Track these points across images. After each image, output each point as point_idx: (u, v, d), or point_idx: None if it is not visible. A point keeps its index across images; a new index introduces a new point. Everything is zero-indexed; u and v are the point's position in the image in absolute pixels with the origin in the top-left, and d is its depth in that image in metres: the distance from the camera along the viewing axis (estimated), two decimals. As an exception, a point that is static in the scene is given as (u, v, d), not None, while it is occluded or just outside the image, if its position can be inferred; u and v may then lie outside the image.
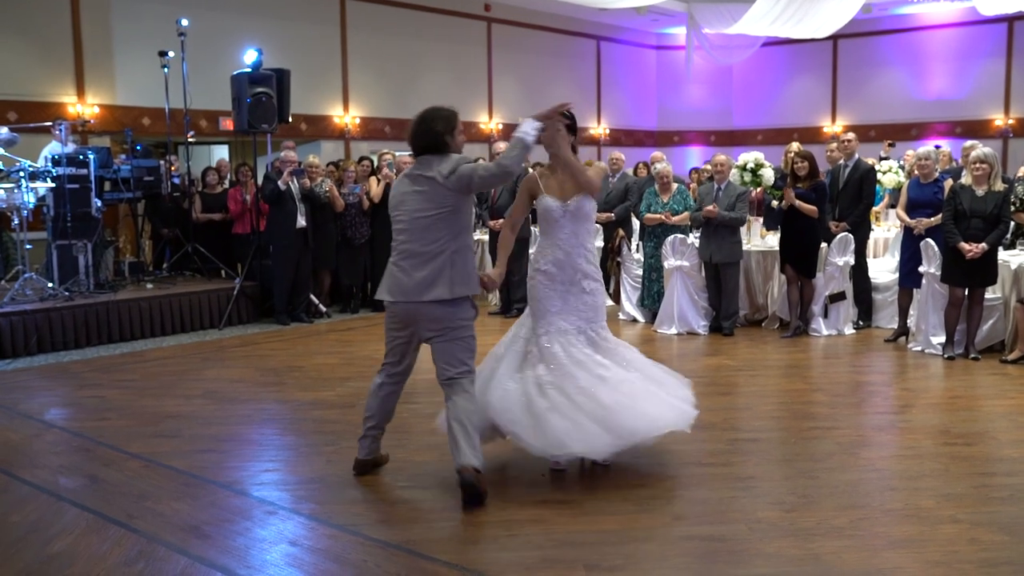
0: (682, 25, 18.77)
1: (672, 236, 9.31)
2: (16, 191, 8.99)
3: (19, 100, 12.40)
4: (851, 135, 9.57)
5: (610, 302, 11.12)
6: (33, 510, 4.50)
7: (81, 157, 9.63)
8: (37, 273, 9.41)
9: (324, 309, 10.68)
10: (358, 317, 10.73)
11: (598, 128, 21.19)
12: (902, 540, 4.06)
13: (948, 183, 8.26)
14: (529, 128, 4.67)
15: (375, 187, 10.77)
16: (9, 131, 9.53)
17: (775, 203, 9.40)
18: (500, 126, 18.70)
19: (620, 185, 11.05)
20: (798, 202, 8.71)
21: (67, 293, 9.16)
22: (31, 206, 9.12)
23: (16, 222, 9.17)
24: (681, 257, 9.29)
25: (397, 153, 11.69)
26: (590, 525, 4.26)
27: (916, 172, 8.68)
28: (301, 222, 9.97)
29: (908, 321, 8.64)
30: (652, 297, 9.81)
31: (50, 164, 9.48)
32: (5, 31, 12.38)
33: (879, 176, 10.53)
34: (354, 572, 3.78)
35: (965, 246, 7.58)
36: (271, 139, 11.17)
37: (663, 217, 9.47)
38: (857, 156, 9.39)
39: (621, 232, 10.48)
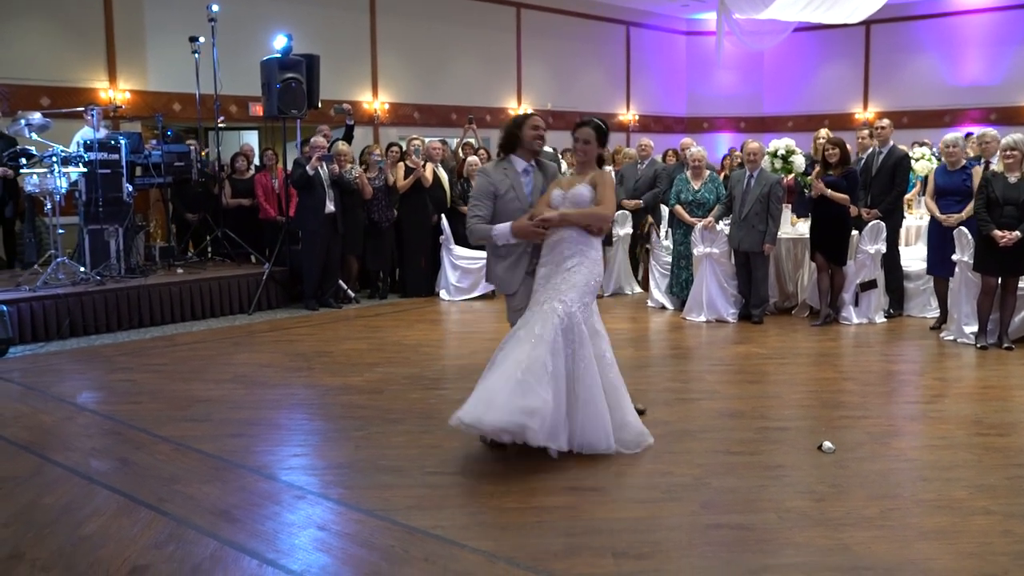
0: (712, 10, 18.54)
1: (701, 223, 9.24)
2: (49, 176, 9.08)
3: (52, 86, 12.52)
4: (886, 121, 9.43)
5: (639, 289, 11.18)
6: (65, 492, 4.55)
7: (113, 142, 9.71)
8: (69, 257, 9.50)
9: (352, 295, 10.71)
10: (386, 303, 10.76)
11: (627, 114, 21.07)
12: (934, 531, 4.02)
13: (976, 170, 8.17)
14: (500, 234, 5.17)
15: (401, 177, 10.78)
16: (42, 116, 9.63)
17: (806, 190, 9.31)
18: (529, 112, 18.61)
19: (649, 172, 10.99)
20: (828, 191, 8.64)
21: (99, 277, 9.24)
22: (63, 191, 9.22)
23: (49, 207, 9.26)
24: (711, 244, 9.23)
25: (427, 139, 11.69)
26: (618, 512, 4.25)
27: (943, 159, 8.59)
28: (330, 207, 9.99)
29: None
30: (681, 284, 9.75)
31: (82, 149, 9.55)
32: (38, 17, 12.48)
33: (912, 163, 10.40)
34: (382, 557, 3.79)
35: (998, 234, 7.48)
36: (300, 124, 11.21)
37: (695, 221, 9.37)
38: (892, 143, 9.28)
39: (650, 219, 10.43)
